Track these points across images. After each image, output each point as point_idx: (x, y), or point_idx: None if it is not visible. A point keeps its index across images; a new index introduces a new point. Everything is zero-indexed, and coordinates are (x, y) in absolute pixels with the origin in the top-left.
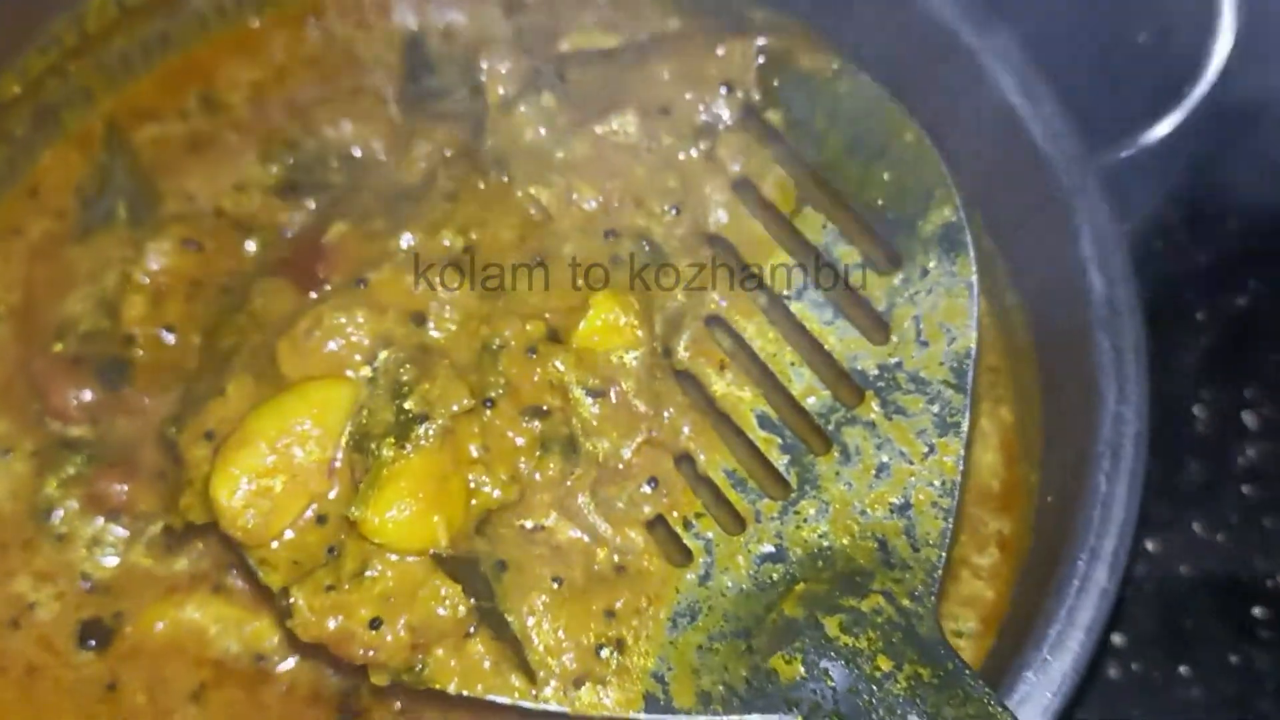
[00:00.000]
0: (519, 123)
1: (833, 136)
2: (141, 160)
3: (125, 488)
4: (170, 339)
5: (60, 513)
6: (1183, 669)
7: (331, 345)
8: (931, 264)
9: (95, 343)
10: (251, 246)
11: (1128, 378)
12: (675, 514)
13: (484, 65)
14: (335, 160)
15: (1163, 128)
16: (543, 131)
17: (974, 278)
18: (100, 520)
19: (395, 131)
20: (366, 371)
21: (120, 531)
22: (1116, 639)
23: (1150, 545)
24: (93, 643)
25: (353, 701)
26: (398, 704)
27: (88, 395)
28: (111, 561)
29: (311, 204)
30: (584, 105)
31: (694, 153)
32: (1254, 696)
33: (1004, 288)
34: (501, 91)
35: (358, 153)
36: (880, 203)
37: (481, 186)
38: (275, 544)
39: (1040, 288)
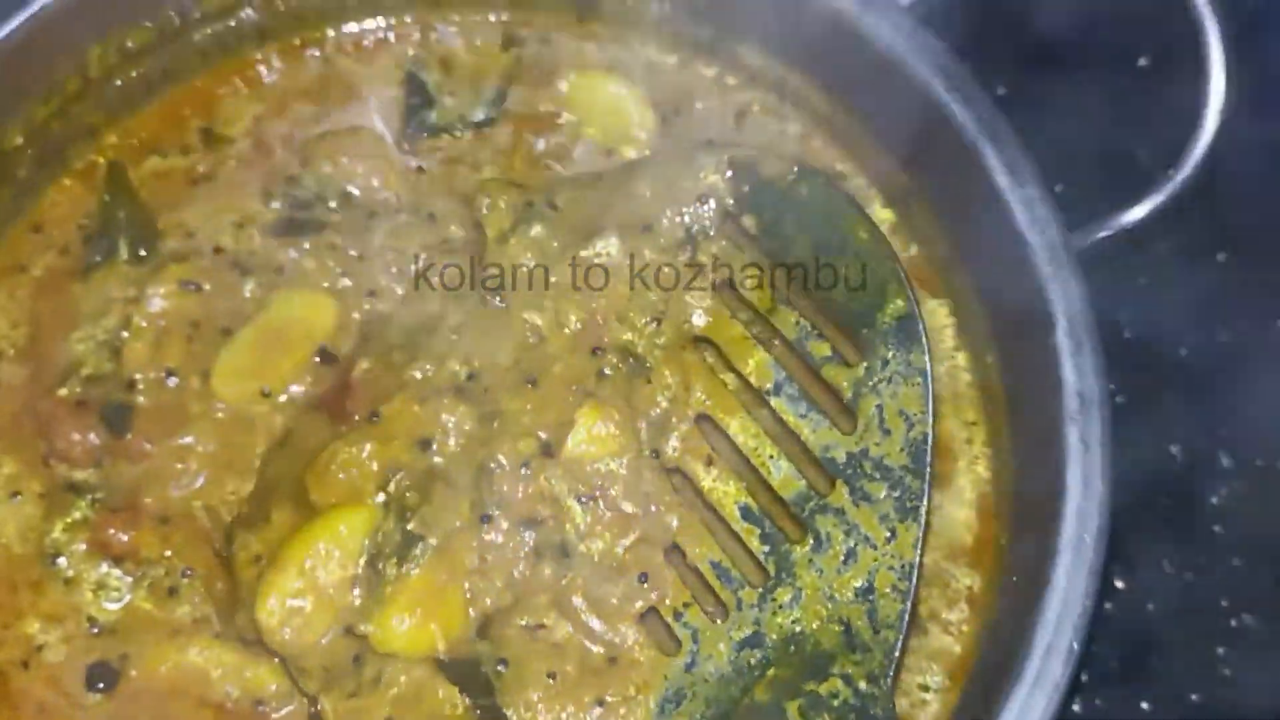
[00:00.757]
0: (514, 253)
1: (800, 237)
2: (142, 197)
3: (128, 536)
4: (172, 382)
5: (66, 557)
6: (1145, 705)
7: (345, 476)
8: (890, 354)
9: (99, 386)
10: (250, 288)
11: (1093, 473)
12: (666, 603)
13: (484, 202)
14: (334, 199)
15: (1141, 210)
16: (534, 259)
17: (928, 366)
18: (105, 565)
19: (393, 169)
20: (381, 497)
21: (124, 577)
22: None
23: (1119, 582)
24: (101, 685)
25: None
26: None
27: (93, 439)
28: (116, 605)
29: (306, 244)
30: (572, 230)
31: (677, 263)
32: None
33: (984, 345)
34: (499, 226)
35: (356, 192)
36: (843, 298)
37: (483, 316)
38: (310, 654)
39: (1016, 364)
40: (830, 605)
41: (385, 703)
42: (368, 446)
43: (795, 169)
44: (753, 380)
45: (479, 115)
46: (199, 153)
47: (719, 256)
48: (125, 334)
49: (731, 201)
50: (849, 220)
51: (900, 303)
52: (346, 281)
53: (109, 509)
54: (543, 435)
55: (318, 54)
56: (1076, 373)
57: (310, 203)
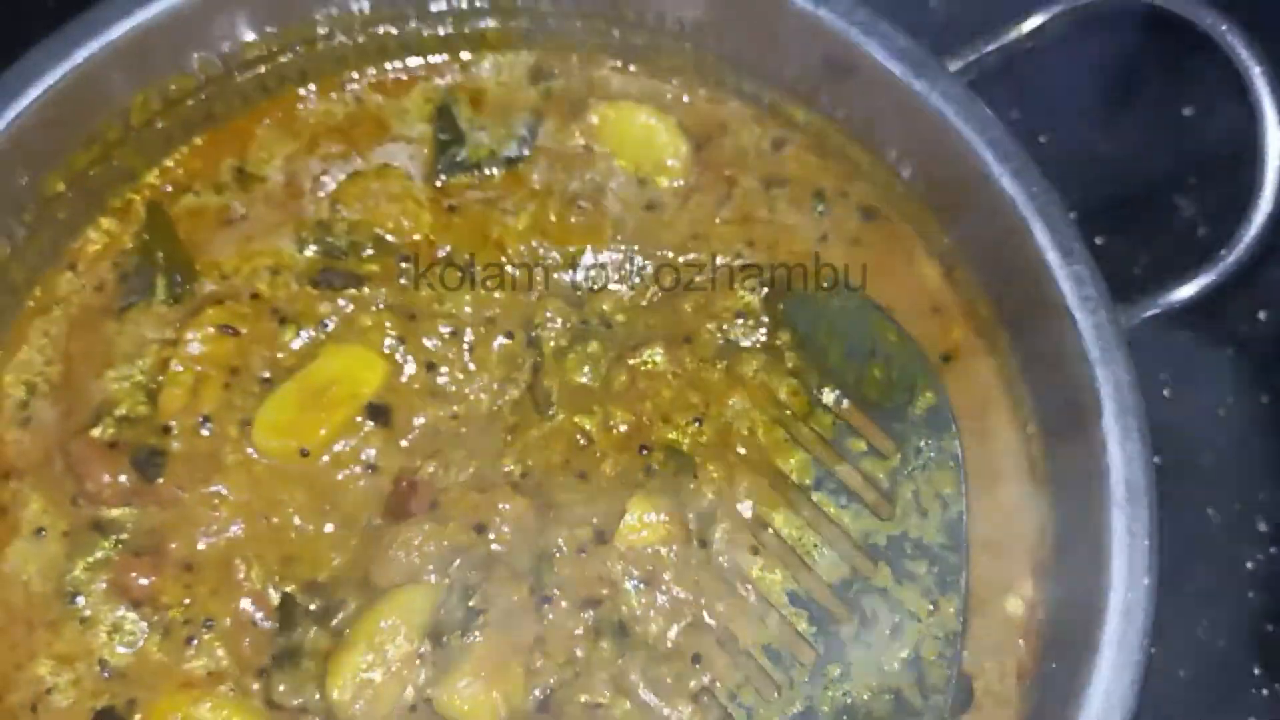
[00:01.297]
0: (569, 367)
1: (833, 345)
2: (181, 238)
3: (150, 580)
4: (208, 430)
5: (85, 596)
6: None
7: (406, 558)
8: (922, 443)
9: (133, 429)
10: (289, 338)
11: (1139, 564)
12: (719, 685)
13: (546, 316)
14: (368, 245)
15: (1191, 289)
16: (589, 370)
17: (959, 451)
18: (123, 609)
19: (424, 209)
20: (443, 578)
21: (140, 622)
22: None
23: (1153, 647)
24: None
25: None
26: None
27: (123, 480)
28: (129, 650)
29: (349, 303)
30: (621, 343)
31: (715, 373)
32: None
33: (1028, 418)
34: (554, 344)
35: (389, 238)
36: (876, 395)
37: (535, 420)
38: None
39: (1062, 447)
40: (880, 676)
41: None
42: (426, 527)
43: (826, 284)
44: (794, 478)
45: (511, 152)
46: (232, 192)
47: (758, 368)
48: (161, 378)
49: (767, 319)
50: (878, 325)
51: (930, 395)
52: (400, 345)
53: (132, 551)
54: (595, 522)
55: (350, 91)
56: (1124, 458)
57: (344, 251)
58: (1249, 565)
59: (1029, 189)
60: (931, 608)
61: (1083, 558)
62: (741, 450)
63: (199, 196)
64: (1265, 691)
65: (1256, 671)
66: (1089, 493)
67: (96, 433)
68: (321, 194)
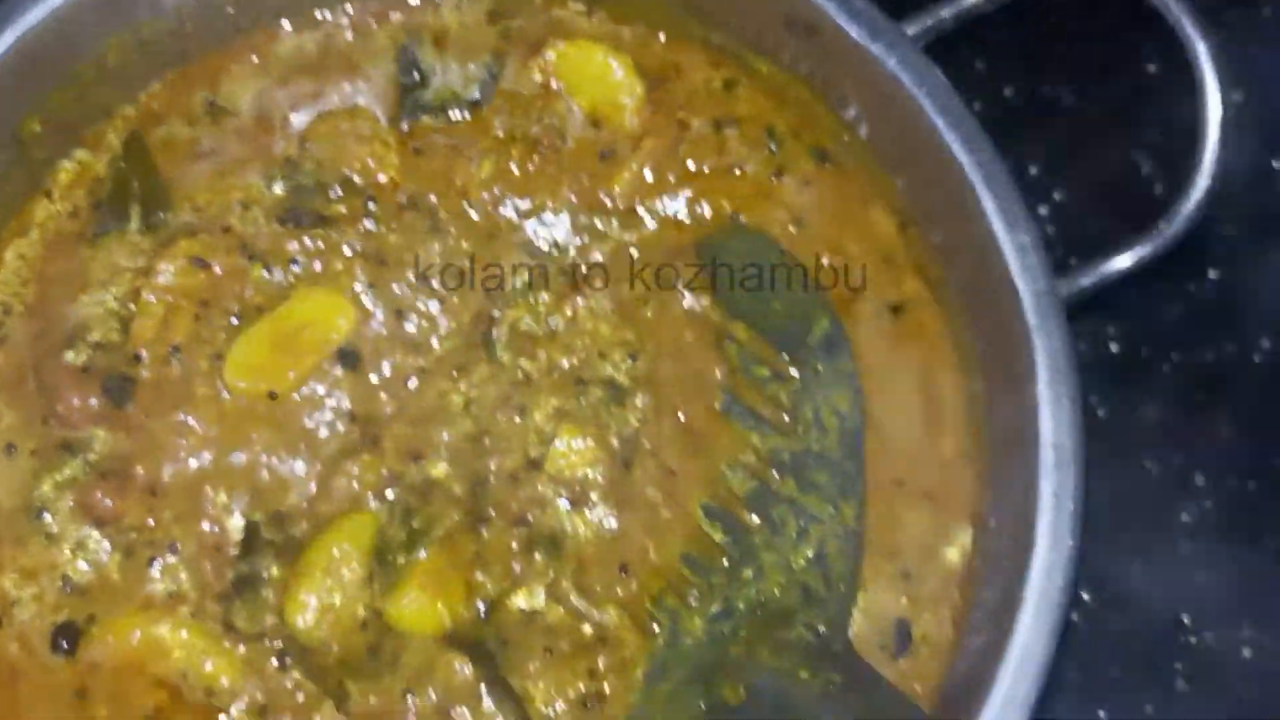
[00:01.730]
0: (518, 313)
1: (737, 281)
2: (159, 167)
3: (114, 502)
4: (177, 360)
5: (52, 513)
6: (1100, 712)
7: (350, 487)
8: (820, 366)
9: (105, 355)
10: (257, 275)
11: (1063, 528)
12: (644, 593)
13: (508, 265)
14: (337, 186)
15: (1128, 259)
16: (538, 316)
17: (853, 370)
18: (88, 527)
19: (391, 151)
20: (386, 504)
21: (103, 541)
22: None
23: (1085, 594)
24: (65, 646)
25: None
26: None
27: (94, 404)
28: (92, 568)
29: (321, 243)
30: (568, 285)
31: (649, 311)
32: None
33: (974, 375)
34: (510, 291)
35: (357, 179)
36: (776, 326)
37: (484, 360)
38: (333, 646)
39: (998, 402)
40: (789, 574)
41: (402, 679)
42: (366, 457)
43: (730, 224)
44: (711, 405)
45: (474, 94)
46: (204, 125)
47: (686, 306)
48: (133, 306)
49: (696, 262)
50: (776, 260)
51: (825, 322)
52: (370, 290)
53: (99, 473)
54: (529, 450)
55: (322, 28)
56: (1053, 426)
57: (312, 190)
58: (1184, 518)
59: (978, 157)
60: (833, 511)
61: (1013, 516)
62: (667, 383)
63: (171, 129)
64: (1194, 639)
65: (1186, 620)
66: (1021, 454)
67: (70, 356)
68: (291, 131)
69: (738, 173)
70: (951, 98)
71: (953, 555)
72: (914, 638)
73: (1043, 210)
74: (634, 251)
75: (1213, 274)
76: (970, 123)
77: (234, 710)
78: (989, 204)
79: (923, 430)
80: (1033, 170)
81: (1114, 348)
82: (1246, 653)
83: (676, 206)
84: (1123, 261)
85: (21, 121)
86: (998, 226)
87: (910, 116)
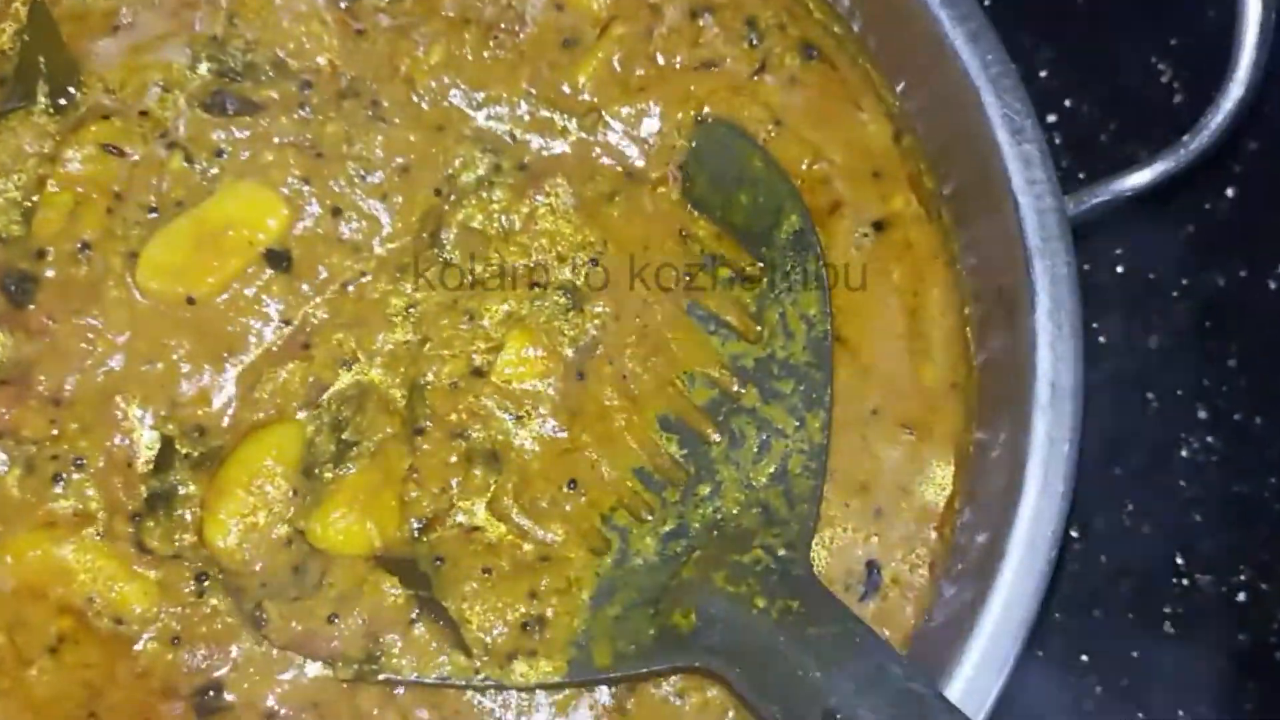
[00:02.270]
0: (470, 211)
1: (700, 174)
2: (65, 42)
3: (11, 412)
4: (86, 260)
5: None
6: (1084, 657)
7: (269, 396)
8: (789, 267)
9: (4, 250)
10: (177, 165)
11: (1055, 471)
12: (594, 509)
13: (456, 162)
14: (269, 70)
15: (1147, 175)
16: (491, 215)
17: (823, 272)
18: None
19: (330, 32)
20: (314, 412)
21: (0, 455)
22: None
23: (1074, 531)
24: None
25: (210, 701)
26: (266, 714)
27: None
28: None
29: (250, 132)
30: (525, 183)
31: (614, 210)
32: (1147, 691)
33: (967, 298)
34: (460, 188)
35: (291, 61)
36: (742, 222)
37: (430, 261)
38: (254, 566)
39: (993, 331)
40: (748, 492)
41: (328, 601)
42: (291, 365)
43: (696, 117)
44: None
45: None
46: None
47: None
48: (37, 197)
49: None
50: (743, 151)
51: (795, 218)
52: (303, 186)
53: None
54: (474, 357)
55: None
56: (1052, 359)
57: (240, 73)
58: (1183, 453)
59: (984, 57)
60: (798, 424)
61: (1003, 455)
62: (628, 287)
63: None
64: (1185, 581)
65: (1179, 561)
66: (1015, 388)
67: None
68: (219, 5)
69: (714, 70)
70: None
71: (930, 494)
72: (884, 580)
73: (1051, 118)
74: (597, 151)
75: (1230, 193)
76: (977, 17)
77: (145, 639)
78: (993, 110)
79: (904, 357)
80: (1042, 74)
81: (1119, 270)
82: (1241, 597)
83: (650, 126)
84: (1139, 179)
85: None
86: (1001, 135)
87: (911, 10)
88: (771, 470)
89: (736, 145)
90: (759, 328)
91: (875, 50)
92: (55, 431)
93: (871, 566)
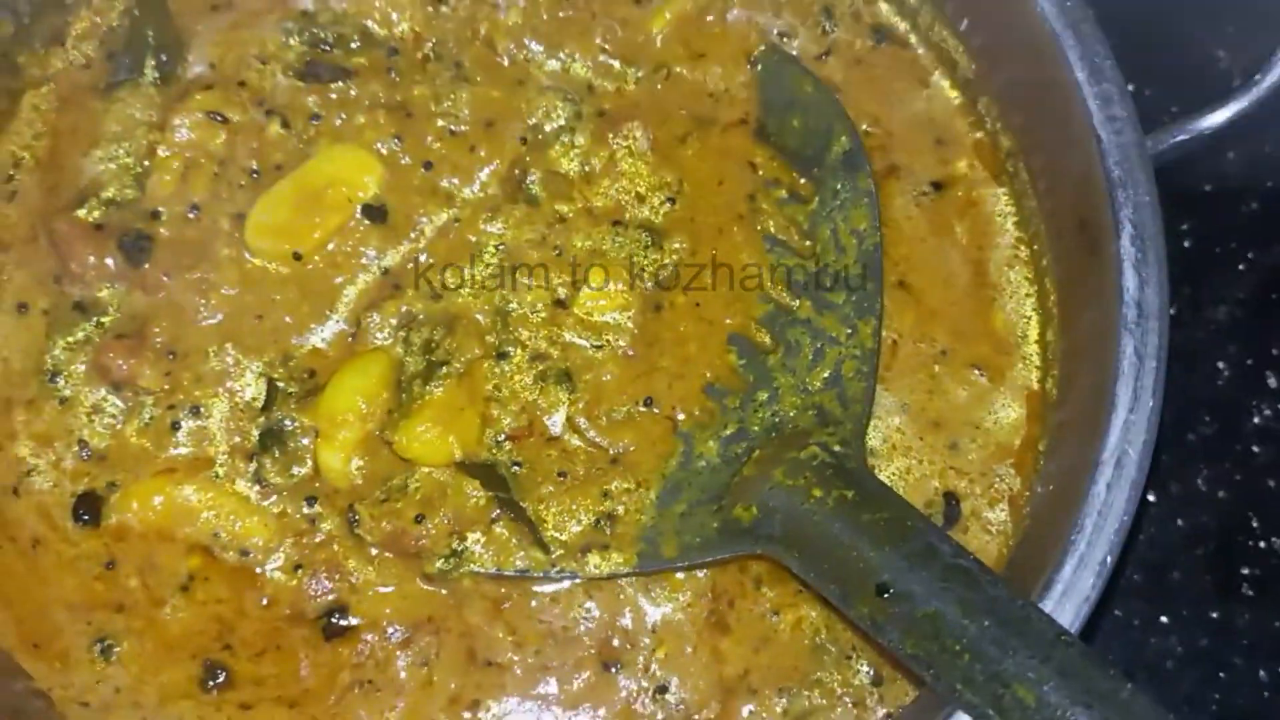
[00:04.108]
0: (553, 156)
1: (754, 100)
2: (174, 18)
3: (128, 364)
4: (195, 218)
5: (65, 376)
6: (1163, 619)
7: (367, 324)
8: (839, 185)
9: (120, 212)
10: (275, 131)
11: (1145, 387)
12: (664, 420)
13: (542, 112)
14: (356, 39)
15: (1223, 114)
16: (575, 159)
17: (872, 188)
18: (103, 390)
19: (410, 2)
20: (404, 337)
21: (121, 405)
22: None
23: (1151, 495)
24: (85, 517)
25: (335, 623)
26: (385, 629)
27: (109, 263)
28: (109, 433)
29: (341, 97)
30: (605, 127)
31: (688, 149)
32: (1228, 652)
33: (1044, 242)
34: (544, 137)
35: (377, 29)
36: (794, 145)
37: (518, 202)
38: (358, 482)
39: (1075, 265)
40: (804, 396)
41: (414, 504)
42: (388, 304)
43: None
44: (736, 237)
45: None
46: None
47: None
48: (148, 163)
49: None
50: (795, 78)
51: (845, 139)
52: (395, 144)
53: (114, 334)
54: (559, 290)
55: None
56: (1138, 282)
57: (330, 43)
58: (1255, 420)
59: (1062, 3)
60: (850, 331)
61: (1084, 380)
62: (703, 221)
63: None
64: (1262, 544)
65: (1255, 524)
66: (1097, 318)
67: (83, 213)
68: None
69: (784, 39)
70: None
71: (1005, 431)
72: (963, 512)
73: None
74: (669, 97)
75: None
76: None
77: (269, 568)
78: (1072, 52)
79: (971, 303)
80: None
81: (1187, 244)
82: None
83: (716, 73)
84: (1215, 118)
85: None
86: (1081, 75)
87: None
88: (826, 375)
89: (788, 72)
90: (811, 242)
91: (953, 15)
92: (169, 385)
93: (950, 498)
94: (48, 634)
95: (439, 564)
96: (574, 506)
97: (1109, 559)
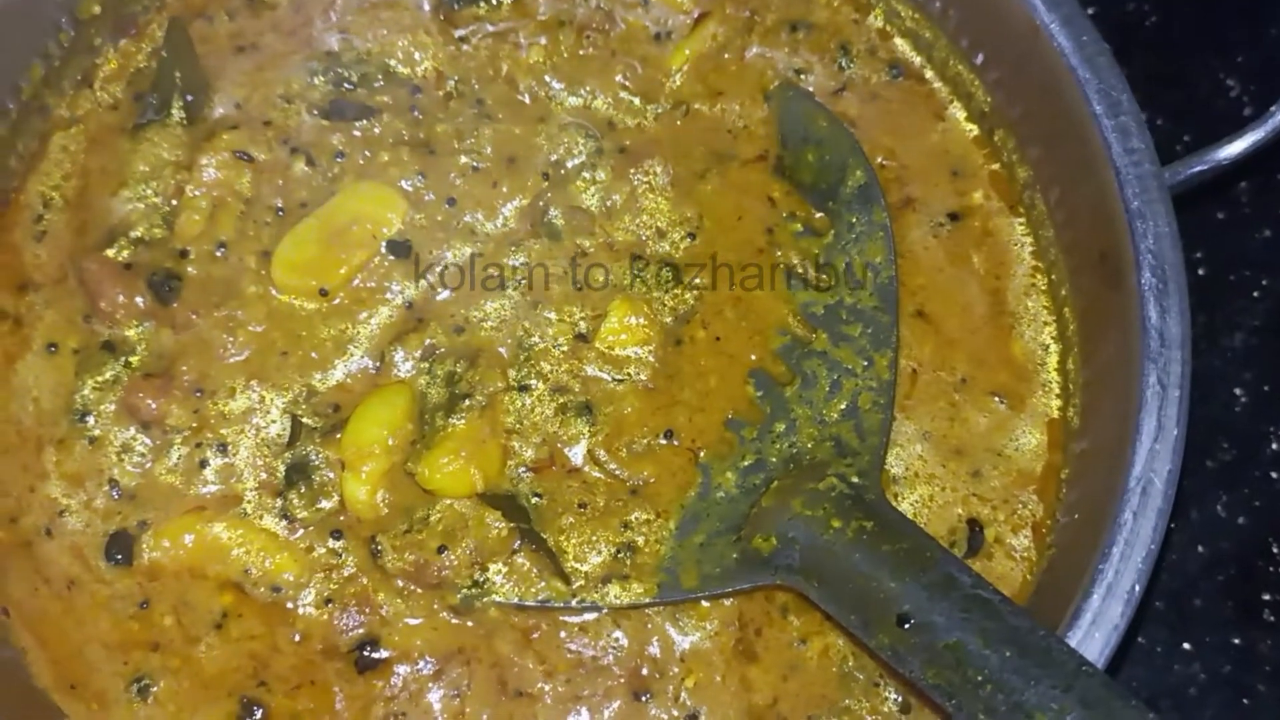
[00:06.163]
0: (575, 191)
1: (772, 136)
2: (200, 59)
3: (159, 403)
4: (223, 256)
5: (94, 415)
6: (1186, 645)
7: (390, 358)
8: (854, 219)
9: (149, 251)
10: (301, 169)
11: (1169, 415)
12: (683, 452)
13: (561, 148)
14: (380, 78)
15: (1240, 145)
16: (595, 195)
17: (887, 222)
18: (132, 429)
19: (434, 41)
20: (426, 371)
21: (150, 443)
22: None
23: (1171, 522)
24: (118, 556)
25: (367, 656)
26: (417, 661)
27: (139, 301)
28: (139, 471)
29: (357, 131)
30: (625, 163)
31: (708, 185)
32: (1250, 677)
33: (1063, 272)
34: (565, 172)
35: (400, 69)
36: (810, 179)
37: (540, 236)
38: (383, 513)
39: (1096, 296)
40: (821, 427)
41: (436, 535)
42: (412, 337)
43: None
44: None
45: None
46: (244, 17)
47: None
48: (176, 202)
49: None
50: (809, 113)
51: (859, 174)
52: (419, 180)
53: (143, 373)
54: (580, 324)
55: None
56: (1159, 312)
57: (354, 82)
58: (1274, 445)
59: (1078, 38)
60: (866, 363)
61: (1107, 409)
62: (723, 256)
63: (211, 23)
64: None
65: (1275, 550)
66: (1119, 347)
67: (112, 253)
68: (331, 23)
69: (801, 76)
70: None
71: (1027, 458)
72: (986, 539)
73: None
74: (688, 132)
75: None
76: (1069, 3)
77: (300, 604)
78: (1089, 87)
79: (990, 331)
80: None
81: (1201, 271)
82: None
83: (734, 109)
84: (1232, 149)
85: (81, 2)
86: (1099, 108)
87: (1005, 2)
88: (843, 407)
89: (803, 107)
90: (827, 276)
91: (969, 48)
92: (197, 424)
93: (973, 524)
94: (84, 674)
95: (461, 594)
96: (594, 537)
97: (1137, 588)
